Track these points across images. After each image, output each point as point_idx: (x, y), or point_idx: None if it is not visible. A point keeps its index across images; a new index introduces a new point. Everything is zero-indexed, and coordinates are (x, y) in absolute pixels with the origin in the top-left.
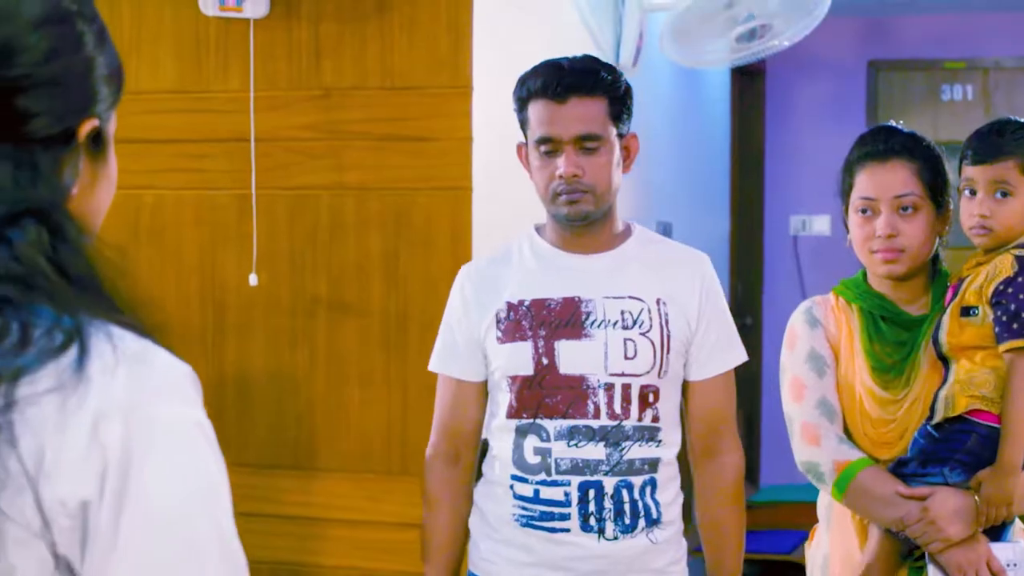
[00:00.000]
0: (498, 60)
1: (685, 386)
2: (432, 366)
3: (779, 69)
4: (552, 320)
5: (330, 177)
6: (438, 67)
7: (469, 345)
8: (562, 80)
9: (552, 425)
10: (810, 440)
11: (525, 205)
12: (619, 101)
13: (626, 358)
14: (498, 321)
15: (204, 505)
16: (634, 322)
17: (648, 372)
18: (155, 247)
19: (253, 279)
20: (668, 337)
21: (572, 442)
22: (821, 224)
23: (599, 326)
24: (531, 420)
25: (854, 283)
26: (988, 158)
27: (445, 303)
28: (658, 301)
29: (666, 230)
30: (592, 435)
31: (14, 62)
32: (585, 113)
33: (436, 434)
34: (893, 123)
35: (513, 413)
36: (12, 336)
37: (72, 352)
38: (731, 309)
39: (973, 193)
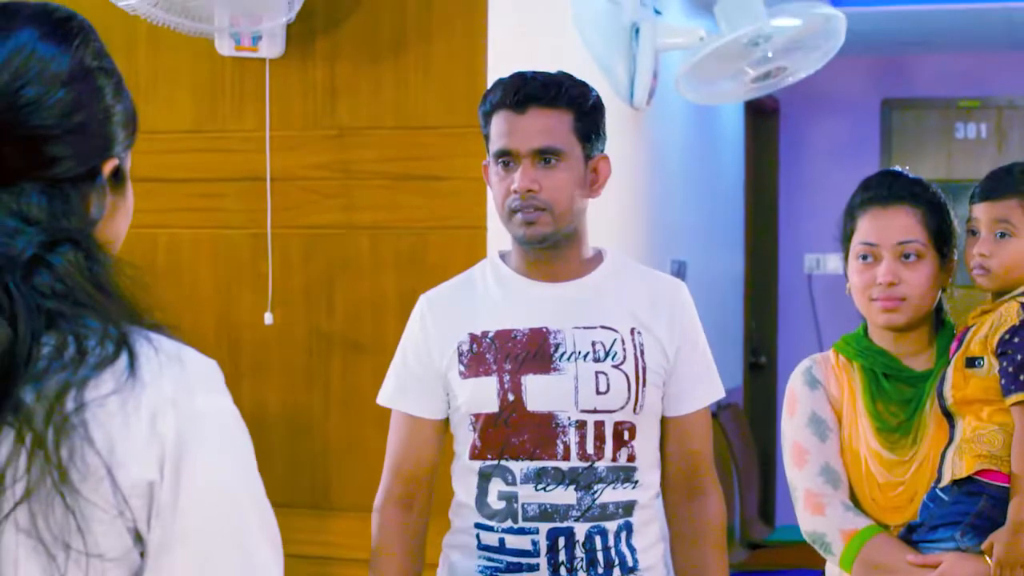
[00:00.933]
0: None
1: (663, 422)
2: (383, 399)
3: (793, 108)
4: (518, 353)
5: (345, 216)
6: (453, 107)
7: (427, 379)
8: (522, 89)
9: (518, 467)
10: (814, 509)
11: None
12: (586, 117)
13: (598, 393)
14: (460, 354)
15: (244, 478)
16: (607, 354)
17: (622, 407)
18: (170, 286)
19: (268, 318)
20: (644, 369)
21: (540, 485)
22: (835, 263)
23: (569, 359)
24: (495, 461)
25: (855, 339)
26: (991, 195)
27: None
28: (632, 331)
29: (680, 269)
30: (561, 478)
31: (44, 115)
32: (545, 124)
33: (388, 476)
34: (899, 168)
35: (477, 454)
36: (70, 349)
37: (123, 358)
38: (745, 347)
39: (975, 233)
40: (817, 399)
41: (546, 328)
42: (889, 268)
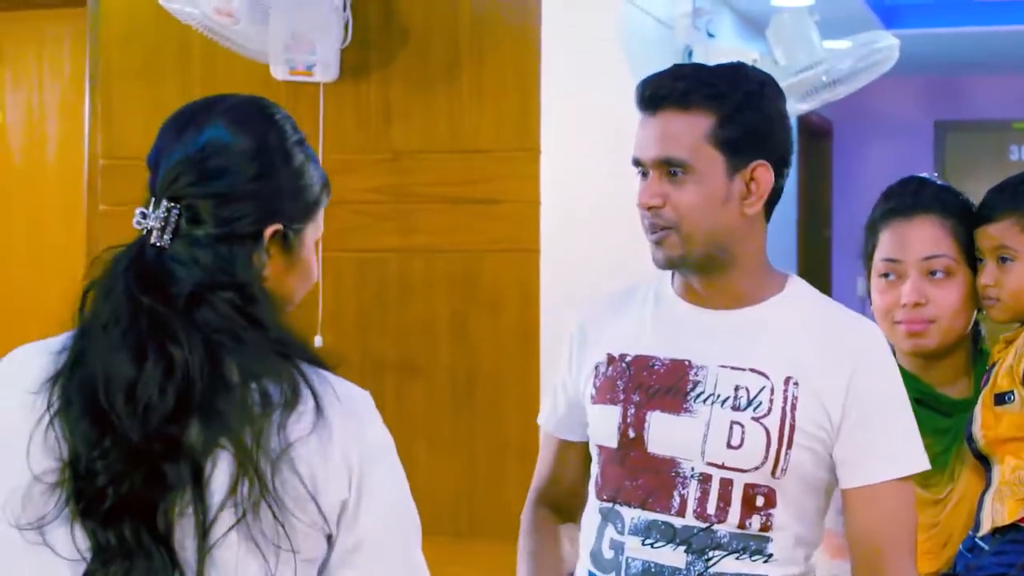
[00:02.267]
0: (566, 123)
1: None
2: (538, 417)
3: (846, 130)
4: (652, 384)
5: (398, 239)
6: (506, 130)
7: (572, 400)
8: (653, 86)
9: (629, 515)
10: (834, 552)
11: (593, 267)
12: (732, 120)
13: (729, 446)
14: (596, 375)
15: (406, 492)
16: (748, 403)
17: (757, 468)
18: None
19: (318, 340)
20: (791, 427)
21: (648, 540)
22: None
23: (705, 401)
24: (610, 504)
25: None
26: (987, 219)
27: (513, 364)
28: (787, 380)
29: None
30: (672, 535)
31: (226, 182)
32: (669, 130)
33: (533, 488)
34: (926, 175)
35: (598, 491)
36: (269, 398)
37: (310, 400)
38: None
39: (981, 261)
40: None
41: (688, 362)
42: (914, 287)
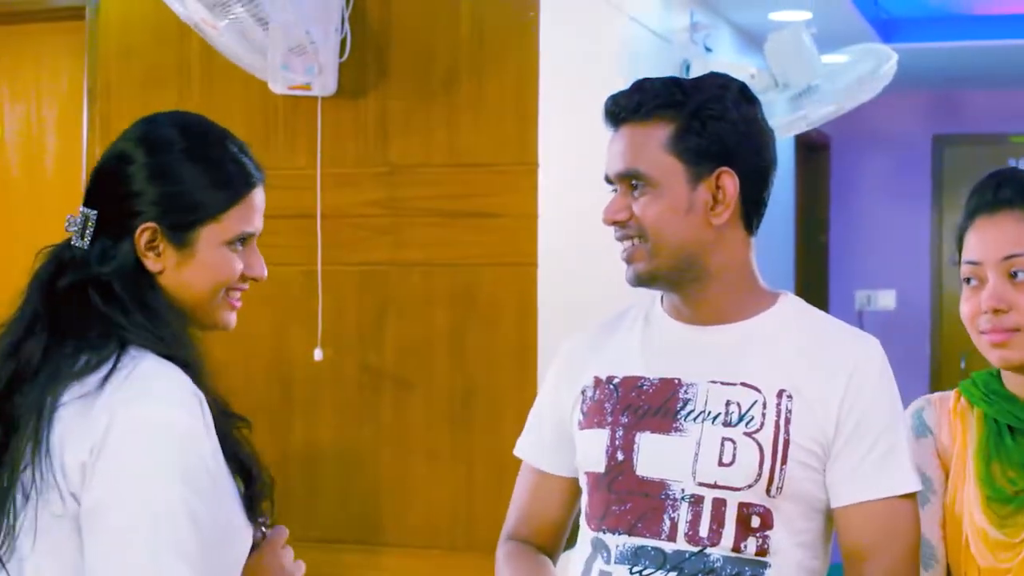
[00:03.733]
0: (564, 137)
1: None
2: (516, 449)
3: (844, 143)
4: (641, 405)
5: (396, 253)
6: (504, 144)
7: (557, 430)
8: (617, 102)
9: (615, 542)
10: None
11: (591, 281)
12: (691, 129)
13: (721, 463)
14: (583, 400)
15: (156, 471)
16: (740, 418)
17: (750, 487)
18: None
19: (318, 354)
20: (785, 443)
21: (636, 568)
22: (887, 299)
23: (696, 419)
24: (597, 533)
25: (983, 379)
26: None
27: (510, 379)
28: (780, 393)
29: None
30: (662, 561)
31: (106, 190)
32: (631, 144)
33: (507, 528)
34: (1014, 166)
35: (587, 521)
36: (69, 359)
37: (103, 372)
38: None
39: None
40: (922, 451)
41: (678, 380)
42: (993, 291)
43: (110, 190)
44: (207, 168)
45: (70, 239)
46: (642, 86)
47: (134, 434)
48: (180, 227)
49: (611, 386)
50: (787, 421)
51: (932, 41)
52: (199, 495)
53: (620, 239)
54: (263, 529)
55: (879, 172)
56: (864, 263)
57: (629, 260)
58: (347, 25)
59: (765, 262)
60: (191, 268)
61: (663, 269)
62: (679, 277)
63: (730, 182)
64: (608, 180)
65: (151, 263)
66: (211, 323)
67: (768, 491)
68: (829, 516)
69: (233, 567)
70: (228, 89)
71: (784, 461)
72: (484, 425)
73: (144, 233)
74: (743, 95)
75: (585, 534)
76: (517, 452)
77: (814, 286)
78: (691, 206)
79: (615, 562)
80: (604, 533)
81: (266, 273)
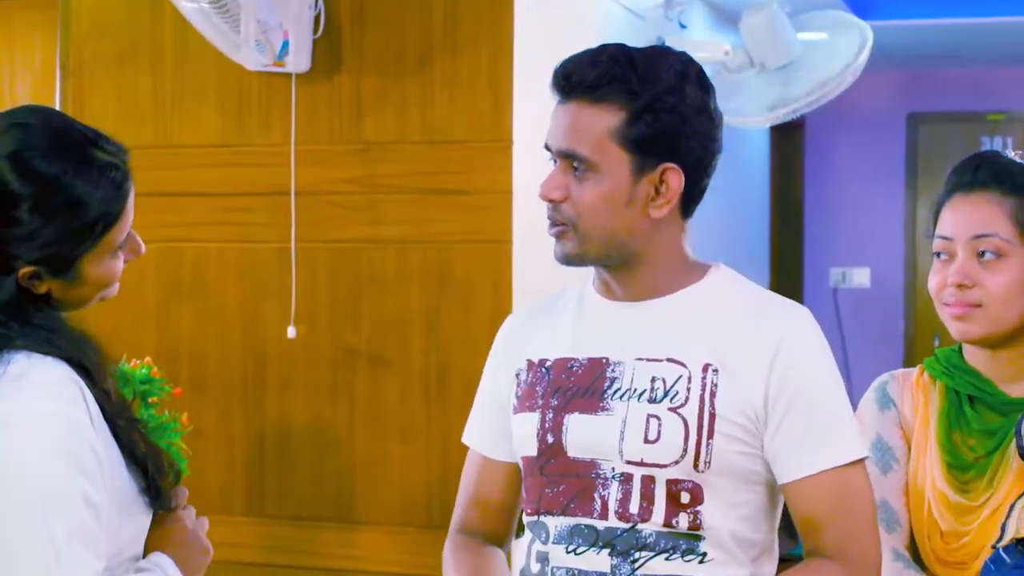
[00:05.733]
0: (538, 114)
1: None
2: (463, 436)
3: (818, 122)
4: (570, 387)
5: (370, 230)
6: (479, 121)
7: (498, 414)
8: (570, 72)
9: (553, 523)
10: None
11: None
12: (643, 119)
13: (646, 441)
14: (517, 385)
15: (24, 471)
16: (665, 393)
17: (676, 463)
18: (197, 299)
19: (291, 332)
20: (711, 416)
21: (571, 547)
22: (861, 276)
23: (622, 397)
24: (535, 517)
25: (945, 354)
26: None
27: (485, 357)
28: (705, 368)
29: None
30: (595, 539)
31: (8, 234)
32: (577, 123)
33: (455, 517)
34: (997, 150)
35: (525, 505)
36: None
37: None
38: None
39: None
40: (886, 422)
41: (606, 359)
42: (960, 267)
43: (4, 215)
44: (82, 205)
45: None
46: (598, 60)
47: (13, 426)
48: (61, 265)
49: (543, 369)
50: (712, 395)
51: (907, 19)
52: (88, 477)
53: (551, 216)
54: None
55: (853, 150)
56: (838, 241)
57: (558, 238)
58: (321, 2)
59: (740, 241)
60: (77, 288)
61: (591, 254)
62: (608, 261)
63: (675, 178)
64: (548, 148)
65: (37, 288)
66: (96, 301)
67: (696, 466)
68: (772, 489)
69: (130, 542)
70: (201, 67)
71: (710, 435)
72: (459, 403)
73: (26, 274)
74: (700, 84)
75: (526, 519)
76: (463, 439)
77: (789, 264)
78: (631, 198)
79: (552, 542)
80: (542, 515)
81: (144, 249)
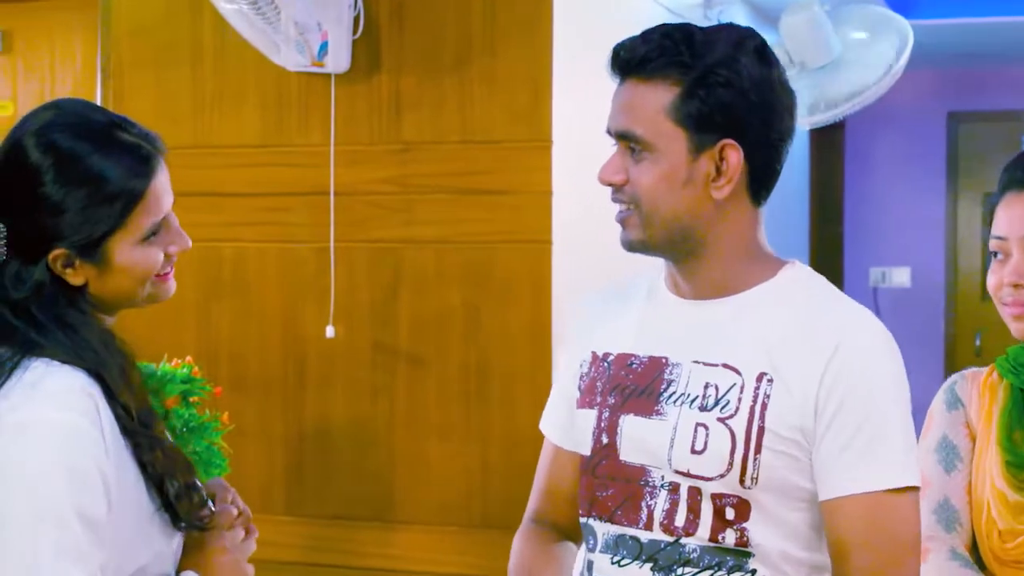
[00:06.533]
0: (577, 114)
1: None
2: (541, 422)
3: (858, 122)
4: (628, 385)
5: (410, 230)
6: (518, 121)
7: (569, 403)
8: (622, 53)
9: (600, 530)
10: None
11: (605, 258)
12: (699, 93)
13: (693, 451)
14: (581, 377)
15: (34, 471)
16: (716, 402)
17: (722, 476)
18: (236, 299)
19: (330, 331)
20: (760, 431)
21: (616, 557)
22: (901, 276)
23: (676, 401)
24: (585, 519)
25: (1015, 352)
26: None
27: (524, 356)
28: (760, 377)
29: None
30: (638, 551)
31: (38, 214)
32: (631, 102)
33: (532, 496)
34: None
35: (580, 504)
36: None
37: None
38: None
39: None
40: (953, 421)
41: (665, 359)
42: (1015, 266)
43: (18, 207)
44: (103, 178)
45: None
46: (650, 37)
47: (17, 436)
48: (89, 247)
49: (605, 363)
50: (763, 407)
51: (947, 17)
52: (90, 492)
53: (614, 201)
54: (211, 508)
55: (894, 149)
56: (879, 240)
57: (622, 225)
58: (360, 2)
59: (780, 240)
60: (112, 276)
61: (656, 239)
62: (673, 249)
63: (734, 155)
64: (609, 133)
65: (72, 278)
66: (149, 302)
67: (742, 481)
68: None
69: (154, 560)
70: (241, 67)
71: (758, 450)
72: (498, 402)
73: (57, 258)
74: (759, 56)
75: (580, 519)
76: (540, 426)
77: (828, 264)
78: (690, 177)
79: (599, 550)
80: (592, 519)
81: (189, 243)
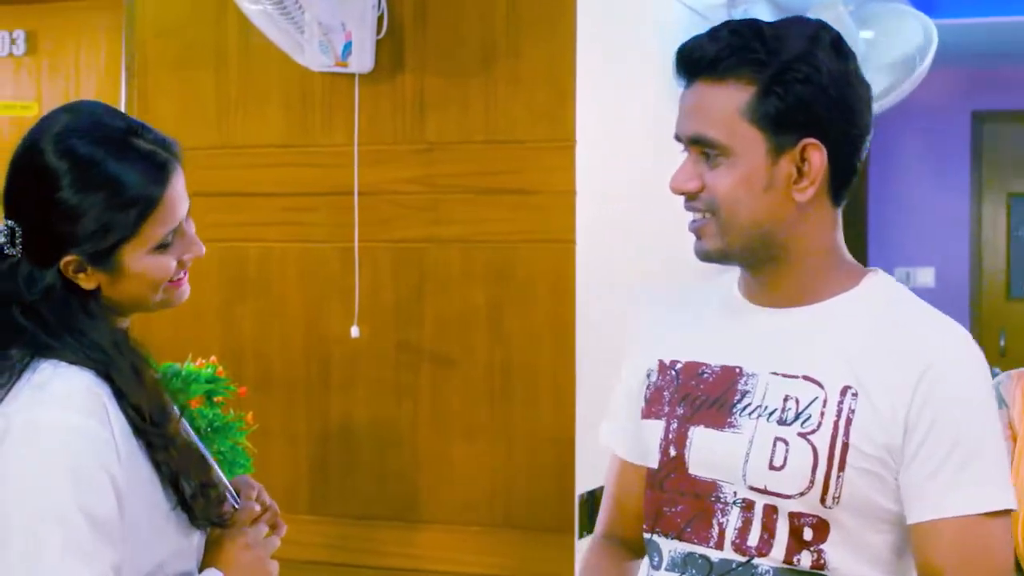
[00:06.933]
0: (601, 114)
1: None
2: (602, 436)
3: (881, 120)
4: (699, 395)
5: (433, 230)
6: (541, 121)
7: (629, 413)
8: (690, 53)
9: (667, 547)
10: None
11: (628, 257)
12: (776, 91)
13: (771, 467)
14: (647, 385)
15: (40, 475)
16: (796, 416)
17: (802, 494)
18: (260, 299)
19: (355, 331)
20: (844, 447)
21: None
22: (925, 276)
23: (751, 414)
24: (651, 534)
25: None
26: None
27: (548, 356)
28: (844, 390)
29: None
30: (708, 570)
31: (51, 220)
32: (703, 105)
33: (601, 512)
34: None
35: (644, 519)
36: None
37: (8, 382)
38: None
39: None
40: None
41: (739, 369)
42: None
43: (34, 210)
44: (118, 186)
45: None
46: (718, 35)
47: (24, 437)
48: (101, 254)
49: (673, 371)
50: (848, 422)
51: (971, 16)
52: (96, 492)
53: (688, 209)
54: (234, 506)
55: (918, 149)
56: (903, 240)
57: (697, 235)
58: (384, 2)
59: None
60: (124, 282)
61: (735, 247)
62: (753, 256)
63: (817, 155)
64: (678, 139)
65: (84, 283)
66: (162, 307)
67: (823, 501)
68: (905, 528)
69: (172, 558)
70: (265, 67)
71: (841, 468)
72: (522, 402)
73: (69, 264)
74: (836, 50)
75: (644, 535)
76: (603, 440)
77: None
78: (771, 181)
79: (664, 568)
80: (657, 535)
81: (203, 250)
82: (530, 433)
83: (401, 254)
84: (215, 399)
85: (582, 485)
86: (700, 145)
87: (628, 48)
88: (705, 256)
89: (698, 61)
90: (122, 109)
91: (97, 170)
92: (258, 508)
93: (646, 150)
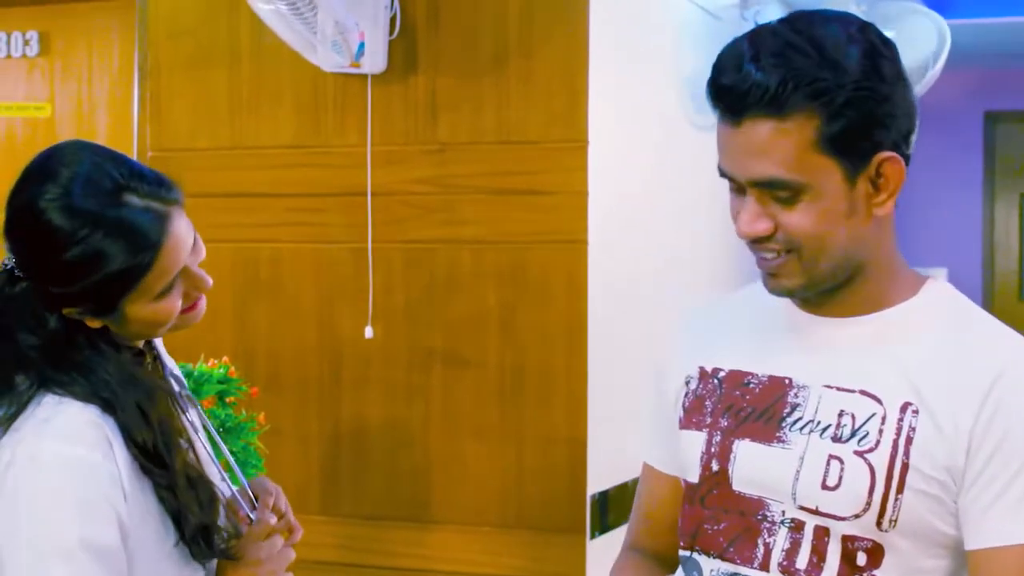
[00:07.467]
0: (614, 114)
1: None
2: (639, 445)
3: None
4: (744, 406)
5: (446, 231)
6: (554, 121)
7: (664, 422)
8: (737, 87)
9: (708, 566)
10: None
11: (641, 258)
12: (844, 115)
13: (824, 486)
14: (686, 393)
15: (46, 506)
16: (852, 433)
17: (857, 516)
18: (273, 300)
19: (368, 332)
20: (903, 467)
21: None
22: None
23: (802, 429)
24: (688, 552)
25: None
26: None
27: (561, 357)
28: (904, 407)
29: None
30: None
31: (55, 275)
32: (763, 145)
33: (630, 522)
34: None
35: (680, 534)
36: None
37: (12, 415)
38: None
39: None
40: None
41: (789, 380)
42: None
43: (36, 261)
44: (109, 256)
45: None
46: (763, 64)
47: (26, 471)
48: (104, 309)
49: (715, 380)
50: (908, 441)
51: (984, 17)
52: (98, 524)
53: (759, 250)
54: (250, 517)
55: (929, 149)
56: (915, 242)
57: (775, 274)
58: (397, 3)
59: None
60: (130, 325)
61: (820, 280)
62: (835, 283)
63: (893, 167)
64: (729, 178)
65: (90, 323)
66: (178, 330)
67: (879, 524)
68: (963, 553)
69: None
70: (278, 68)
71: (900, 489)
72: (534, 403)
73: (72, 312)
74: (887, 48)
75: (680, 552)
76: (640, 449)
77: None
78: (852, 206)
79: None
80: (696, 553)
81: (210, 282)
82: (542, 433)
83: (414, 255)
84: (227, 399)
85: (594, 486)
86: (771, 188)
87: (641, 48)
88: (788, 293)
89: (747, 95)
90: (135, 110)
91: (87, 244)
92: (274, 520)
93: (659, 151)
